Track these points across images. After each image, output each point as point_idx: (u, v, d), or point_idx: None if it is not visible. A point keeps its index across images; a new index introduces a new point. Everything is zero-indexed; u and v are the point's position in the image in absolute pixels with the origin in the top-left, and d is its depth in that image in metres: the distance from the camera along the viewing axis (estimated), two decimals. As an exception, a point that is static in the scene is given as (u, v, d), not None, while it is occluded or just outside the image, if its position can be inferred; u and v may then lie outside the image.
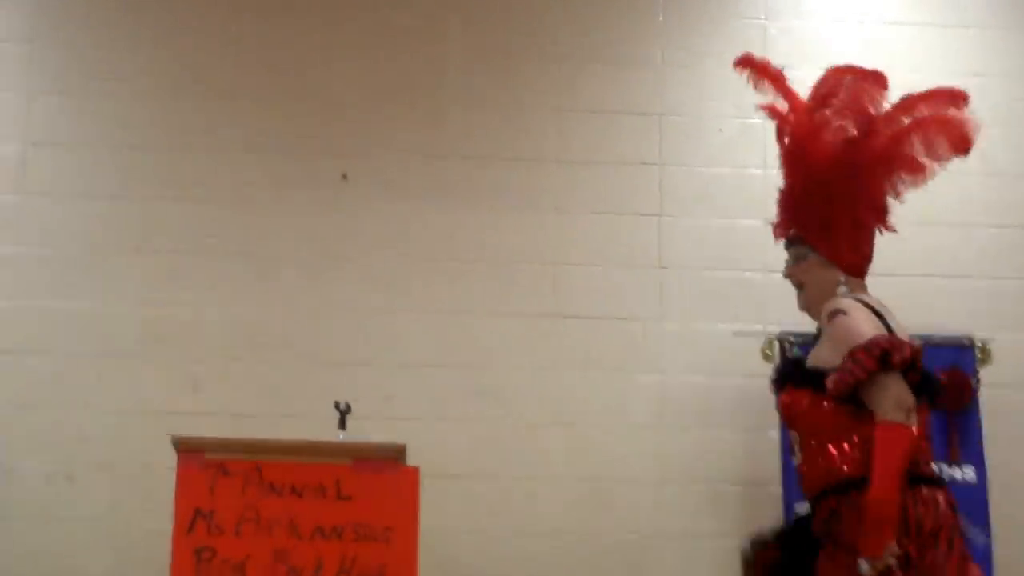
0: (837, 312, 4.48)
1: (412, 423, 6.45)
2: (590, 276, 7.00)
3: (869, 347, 4.30)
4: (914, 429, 4.25)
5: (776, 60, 7.03)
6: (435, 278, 6.98)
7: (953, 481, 6.47)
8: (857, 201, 4.70)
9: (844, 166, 4.67)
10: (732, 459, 6.85)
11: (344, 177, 7.05)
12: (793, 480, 6.33)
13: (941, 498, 4.30)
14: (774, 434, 6.54)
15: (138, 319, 6.86)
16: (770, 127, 7.00)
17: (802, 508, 4.73)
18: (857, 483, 4.23)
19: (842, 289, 4.63)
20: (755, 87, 5.01)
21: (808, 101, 4.86)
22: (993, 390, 6.69)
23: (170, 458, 5.68)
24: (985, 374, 6.69)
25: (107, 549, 6.63)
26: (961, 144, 4.79)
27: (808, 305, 4.74)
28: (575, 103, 7.20)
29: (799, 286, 4.74)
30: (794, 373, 4.63)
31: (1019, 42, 7.38)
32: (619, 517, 6.76)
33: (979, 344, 6.71)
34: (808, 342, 6.43)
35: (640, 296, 6.99)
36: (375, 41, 7.20)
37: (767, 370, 6.61)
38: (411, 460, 5.76)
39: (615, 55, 7.26)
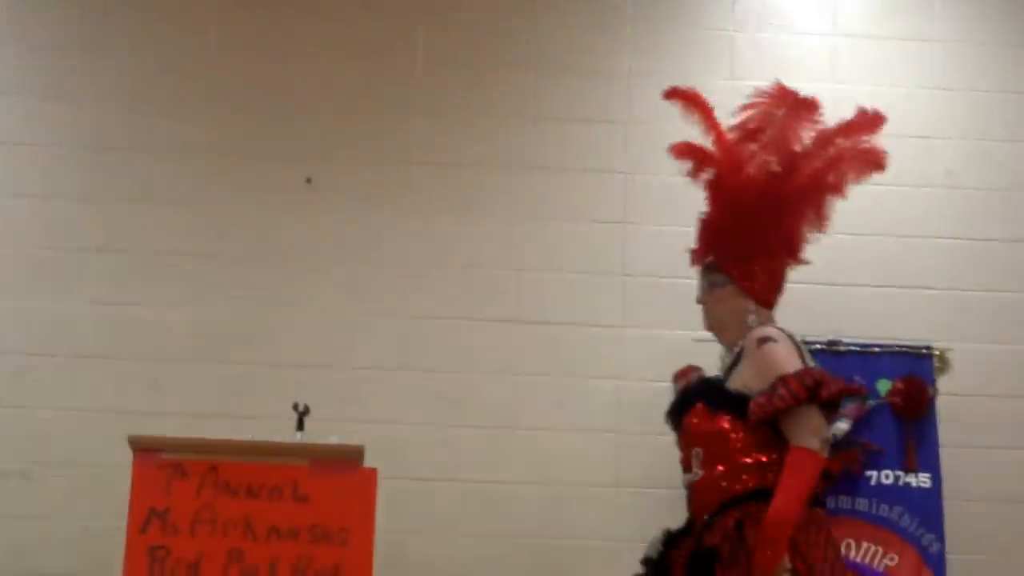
0: (767, 339, 4.61)
1: (372, 426, 6.44)
2: (553, 282, 7.01)
3: (802, 376, 4.46)
4: (819, 446, 4.40)
5: (743, 71, 7.14)
6: (398, 282, 6.99)
7: (908, 488, 6.52)
8: (776, 236, 4.88)
9: (766, 201, 4.82)
10: (689, 464, 6.87)
11: (308, 181, 7.06)
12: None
13: (825, 518, 4.53)
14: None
15: (99, 318, 6.86)
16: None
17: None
18: (756, 495, 4.43)
19: (752, 319, 4.79)
20: (686, 115, 5.08)
21: (736, 133, 4.96)
22: (950, 399, 6.72)
23: (127, 457, 5.68)
24: (943, 383, 6.71)
25: (62, 546, 6.62)
26: (875, 170, 5.06)
27: (716, 330, 4.94)
28: (542, 111, 7.22)
29: (707, 312, 4.94)
30: (709, 394, 4.72)
31: (985, 57, 7.41)
32: (576, 522, 6.77)
33: (937, 352, 6.74)
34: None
35: (603, 302, 7.00)
36: (342, 46, 7.21)
37: (727, 377, 6.67)
38: (369, 462, 5.75)
39: (583, 64, 7.28)
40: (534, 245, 7.06)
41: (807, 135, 4.92)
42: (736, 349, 4.79)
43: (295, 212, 7.03)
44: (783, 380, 4.44)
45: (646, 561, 4.78)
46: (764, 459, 4.51)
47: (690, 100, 5.13)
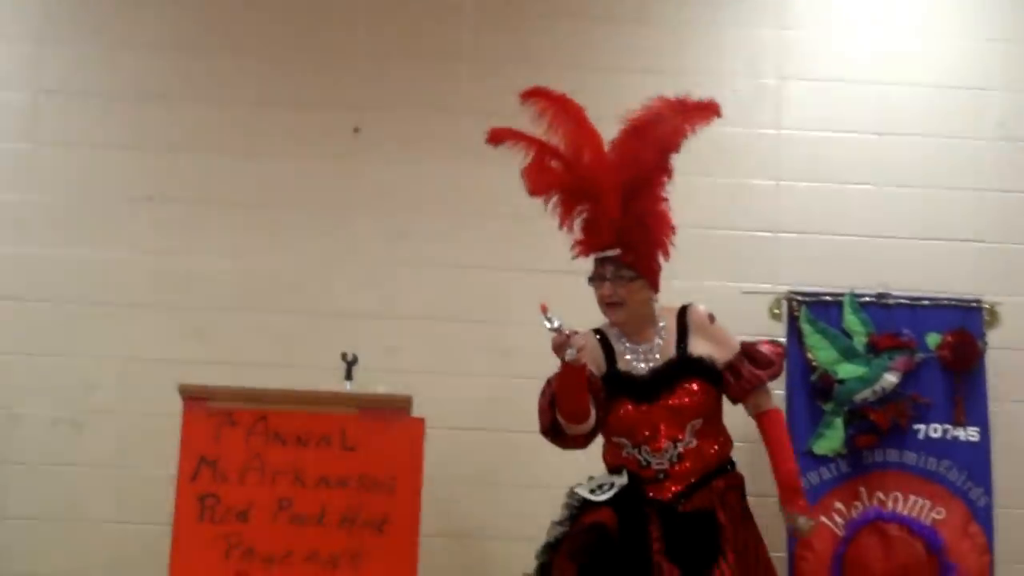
0: (712, 316, 5.29)
1: (419, 375, 6.46)
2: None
3: (781, 353, 5.38)
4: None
5: (793, 21, 7.10)
6: (446, 232, 6.98)
7: (957, 441, 6.50)
8: (659, 227, 5.29)
9: (653, 194, 5.28)
10: (738, 416, 6.83)
11: (356, 130, 7.05)
12: (799, 436, 6.42)
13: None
14: (779, 392, 6.52)
15: (147, 268, 6.89)
16: (787, 90, 7.10)
17: (620, 480, 5.14)
18: (730, 464, 5.24)
19: (656, 306, 5.30)
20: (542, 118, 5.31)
21: (625, 130, 5.26)
22: (1000, 352, 6.68)
23: (176, 406, 5.73)
24: (992, 336, 6.68)
25: (112, 495, 6.68)
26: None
27: (627, 321, 5.24)
28: (589, 61, 7.18)
29: (620, 303, 5.20)
30: (701, 370, 5.18)
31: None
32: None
33: (987, 306, 6.69)
34: (818, 303, 6.54)
35: (651, 254, 6.98)
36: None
37: (776, 329, 6.66)
38: (417, 412, 5.79)
39: (632, 14, 7.23)
40: (583, 195, 7.04)
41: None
42: (658, 330, 5.25)
43: (343, 161, 7.03)
44: (758, 351, 5.27)
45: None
46: (722, 424, 5.27)
47: (554, 102, 5.35)
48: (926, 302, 6.67)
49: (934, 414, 6.54)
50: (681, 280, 6.89)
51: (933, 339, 6.60)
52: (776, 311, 6.68)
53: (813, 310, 6.63)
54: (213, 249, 6.92)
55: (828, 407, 6.52)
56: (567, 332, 4.85)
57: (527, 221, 6.75)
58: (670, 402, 5.10)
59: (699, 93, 6.98)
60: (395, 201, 7.01)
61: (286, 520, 5.59)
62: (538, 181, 5.31)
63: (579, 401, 5.03)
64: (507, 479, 6.65)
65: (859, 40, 7.22)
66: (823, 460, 6.50)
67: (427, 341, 6.84)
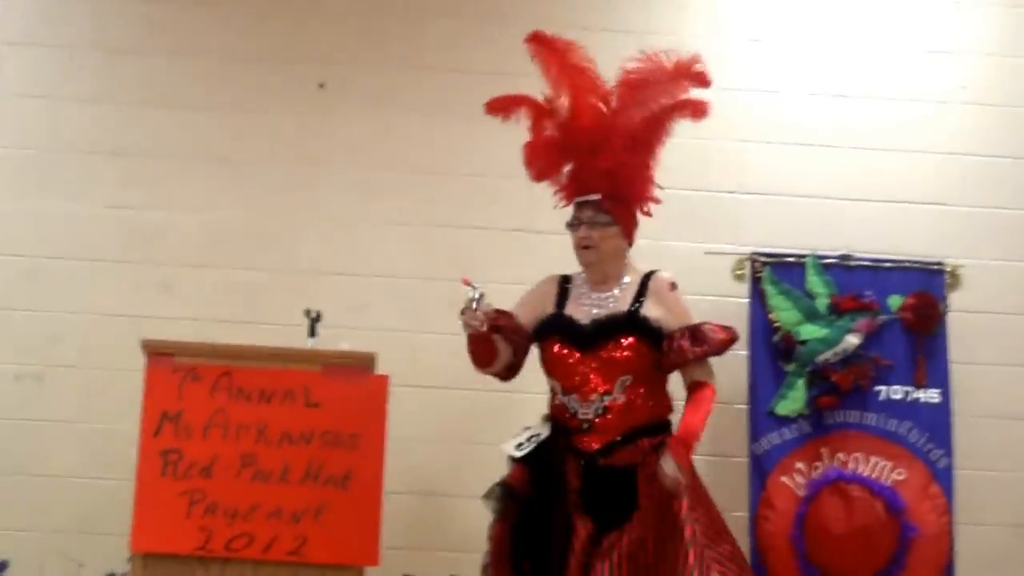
0: (674, 285, 5.33)
1: (384, 333, 6.47)
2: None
3: (726, 340, 5.31)
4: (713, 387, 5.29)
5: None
6: (412, 189, 6.97)
7: (918, 403, 6.55)
8: (643, 181, 5.41)
9: (639, 147, 5.34)
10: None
11: (321, 86, 7.03)
12: (761, 396, 6.45)
13: None
14: (742, 353, 6.59)
15: (112, 222, 6.87)
16: (752, 51, 7.09)
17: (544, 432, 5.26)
18: (663, 426, 5.23)
19: (628, 258, 5.42)
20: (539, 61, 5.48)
21: (623, 82, 5.35)
22: (961, 315, 6.73)
23: (140, 361, 5.72)
24: (954, 298, 6.73)
25: (75, 449, 6.68)
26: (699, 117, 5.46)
27: (598, 264, 5.34)
28: (556, 17, 7.14)
29: (593, 246, 5.30)
30: (640, 328, 5.21)
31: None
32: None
33: (949, 269, 6.74)
34: (781, 264, 6.56)
35: (614, 213, 6.99)
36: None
37: (739, 290, 6.70)
38: (381, 369, 5.79)
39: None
40: (548, 154, 7.04)
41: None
42: (620, 283, 5.34)
43: (308, 117, 7.02)
44: (702, 329, 5.25)
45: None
46: (662, 386, 5.30)
47: (552, 47, 5.49)
48: (888, 264, 6.70)
49: (895, 376, 6.58)
50: (645, 240, 6.91)
51: (895, 301, 6.64)
52: (739, 272, 6.70)
53: (776, 271, 6.66)
54: (178, 204, 6.90)
55: (790, 368, 6.56)
56: (477, 306, 5.08)
57: (493, 179, 6.80)
58: (603, 354, 5.15)
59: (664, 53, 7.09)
60: (362, 157, 6.99)
61: (249, 476, 5.60)
62: (543, 167, 5.45)
63: (481, 353, 5.32)
64: (472, 436, 6.64)
65: (821, 2, 7.24)
66: (785, 421, 6.55)
67: (393, 299, 6.85)
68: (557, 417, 5.24)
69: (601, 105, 5.32)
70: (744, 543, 6.49)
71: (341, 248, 6.91)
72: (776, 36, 7.18)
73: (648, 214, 5.43)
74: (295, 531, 5.56)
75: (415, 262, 6.90)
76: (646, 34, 7.04)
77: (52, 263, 6.81)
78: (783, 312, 6.59)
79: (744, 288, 6.68)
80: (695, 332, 5.21)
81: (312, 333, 5.95)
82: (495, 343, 5.27)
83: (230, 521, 5.56)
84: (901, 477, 6.48)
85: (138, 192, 6.91)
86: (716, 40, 7.09)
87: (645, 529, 5.02)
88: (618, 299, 5.28)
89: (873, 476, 6.47)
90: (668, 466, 4.96)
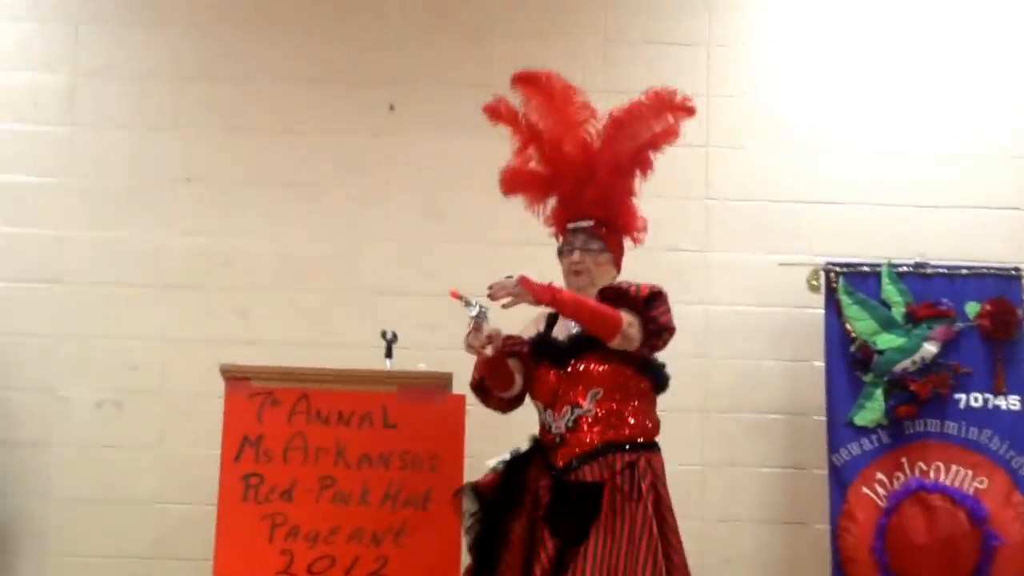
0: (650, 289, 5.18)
1: (458, 353, 6.43)
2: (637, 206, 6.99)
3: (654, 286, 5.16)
4: (624, 326, 5.00)
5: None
6: (482, 209, 6.94)
7: (998, 410, 6.48)
8: (630, 211, 5.40)
9: (630, 191, 5.38)
10: (776, 389, 6.87)
11: (391, 108, 7.06)
12: (839, 407, 6.40)
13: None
14: (818, 364, 6.59)
15: (187, 248, 6.93)
16: (822, 59, 7.06)
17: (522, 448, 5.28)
18: (641, 445, 5.09)
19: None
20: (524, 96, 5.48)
21: (610, 116, 5.35)
22: (1040, 321, 6.67)
23: (218, 386, 5.76)
24: (1031, 305, 6.67)
25: (156, 475, 6.76)
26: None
27: (589, 289, 5.23)
28: (623, 34, 7.16)
29: (585, 271, 5.28)
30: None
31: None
32: (665, 447, 6.77)
33: (1026, 275, 6.68)
34: (856, 274, 6.52)
35: (686, 227, 6.98)
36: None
37: (813, 301, 6.65)
38: (457, 389, 5.80)
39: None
40: (617, 170, 7.04)
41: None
42: None
43: (378, 139, 7.04)
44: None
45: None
46: (644, 407, 5.18)
47: (538, 90, 5.46)
48: (964, 271, 6.64)
49: (974, 383, 6.52)
50: (718, 252, 6.96)
51: (972, 308, 6.57)
52: (814, 282, 6.65)
53: (851, 281, 6.62)
54: (251, 229, 6.95)
55: (868, 378, 6.51)
56: (481, 324, 5.14)
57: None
58: (577, 368, 5.11)
59: (733, 64, 7.08)
60: (432, 178, 7.02)
61: (329, 499, 5.62)
62: (513, 181, 5.51)
63: (496, 379, 5.28)
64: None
65: (892, 8, 7.19)
66: (864, 431, 6.49)
67: (465, 317, 6.83)
68: (540, 437, 5.25)
69: (587, 137, 5.33)
70: (825, 555, 6.49)
71: (413, 268, 6.93)
72: (847, 45, 7.15)
73: (639, 241, 5.41)
74: (376, 553, 5.58)
75: (486, 281, 6.87)
76: (711, 46, 7.08)
77: (129, 291, 6.88)
78: (859, 322, 6.54)
79: (819, 299, 6.63)
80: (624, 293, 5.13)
81: (389, 354, 5.96)
82: (511, 367, 5.27)
83: (311, 544, 5.58)
84: (983, 486, 6.41)
85: (211, 218, 6.97)
86: (786, 50, 7.09)
87: (609, 544, 4.90)
88: None
89: (954, 485, 6.40)
90: (507, 280, 5.05)
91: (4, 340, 6.84)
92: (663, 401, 6.84)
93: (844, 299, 6.58)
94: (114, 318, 6.86)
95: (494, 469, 5.23)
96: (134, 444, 6.77)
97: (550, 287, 5.00)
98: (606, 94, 6.80)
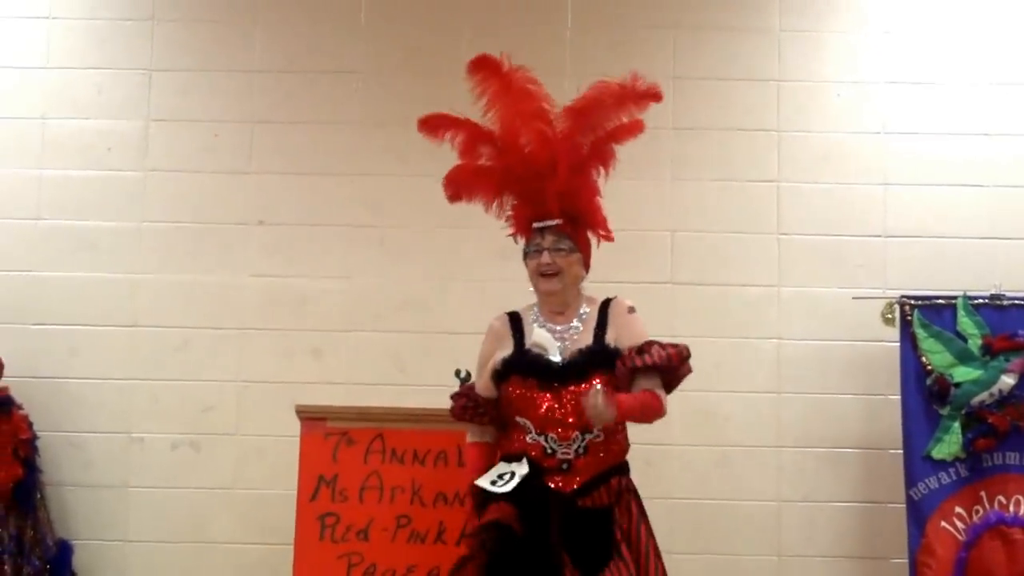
0: (632, 308, 5.13)
1: (531, 391, 6.47)
2: (708, 242, 6.99)
3: (682, 350, 5.02)
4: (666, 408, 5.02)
5: (891, 26, 7.04)
6: (551, 247, 6.98)
7: (1041, 440, 6.45)
8: (599, 217, 5.23)
9: (594, 187, 5.20)
10: (851, 423, 6.83)
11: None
12: (916, 441, 6.34)
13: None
14: (894, 397, 6.53)
15: (260, 290, 7.00)
16: (893, 92, 7.02)
17: (521, 469, 4.97)
18: (627, 465, 5.07)
19: (584, 286, 5.22)
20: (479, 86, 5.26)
21: (568, 107, 5.16)
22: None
23: (293, 426, 5.79)
24: (1074, 336, 6.59)
25: (232, 515, 6.81)
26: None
27: (561, 292, 5.14)
28: (691, 70, 7.16)
29: (558, 272, 5.11)
30: (604, 359, 5.00)
31: None
32: (739, 482, 6.78)
33: (1071, 305, 6.61)
34: (931, 306, 6.46)
35: (759, 262, 6.97)
36: (491, 14, 7.22)
37: (887, 334, 6.60)
38: (531, 427, 5.79)
39: (731, 22, 7.21)
40: (687, 205, 7.04)
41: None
42: (579, 314, 5.14)
43: (448, 179, 7.07)
44: (651, 343, 4.98)
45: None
46: (624, 426, 5.06)
47: (499, 76, 5.22)
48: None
49: (1054, 415, 6.46)
50: (790, 287, 6.94)
51: (1049, 339, 6.52)
52: (888, 316, 6.60)
53: (926, 313, 6.56)
54: (324, 270, 7.00)
55: (945, 411, 6.45)
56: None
57: (632, 232, 6.75)
58: (575, 393, 4.93)
59: (803, 99, 7.06)
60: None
61: (405, 538, 5.64)
62: (457, 183, 5.41)
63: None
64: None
65: (963, 40, 7.15)
66: (942, 465, 6.43)
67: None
68: (531, 457, 4.99)
69: (546, 129, 5.10)
70: (905, 590, 6.44)
71: (485, 307, 6.88)
72: (918, 76, 7.11)
73: (609, 238, 5.24)
74: (452, 591, 5.58)
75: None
76: (784, 81, 7.07)
77: (203, 333, 6.95)
78: (935, 355, 6.49)
79: (894, 332, 6.59)
80: (643, 347, 4.98)
81: (462, 393, 5.97)
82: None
83: (389, 583, 5.61)
84: (1066, 519, 6.35)
85: (283, 260, 7.02)
86: (857, 83, 7.07)
87: (624, 568, 4.83)
88: (581, 331, 5.08)
89: (1038, 519, 6.35)
90: (597, 398, 4.74)
91: (81, 383, 6.93)
92: (737, 436, 6.86)
93: (919, 332, 6.53)
94: (189, 360, 6.94)
95: (494, 494, 4.94)
96: (210, 485, 6.83)
97: (619, 406, 4.84)
98: (675, 131, 6.87)
